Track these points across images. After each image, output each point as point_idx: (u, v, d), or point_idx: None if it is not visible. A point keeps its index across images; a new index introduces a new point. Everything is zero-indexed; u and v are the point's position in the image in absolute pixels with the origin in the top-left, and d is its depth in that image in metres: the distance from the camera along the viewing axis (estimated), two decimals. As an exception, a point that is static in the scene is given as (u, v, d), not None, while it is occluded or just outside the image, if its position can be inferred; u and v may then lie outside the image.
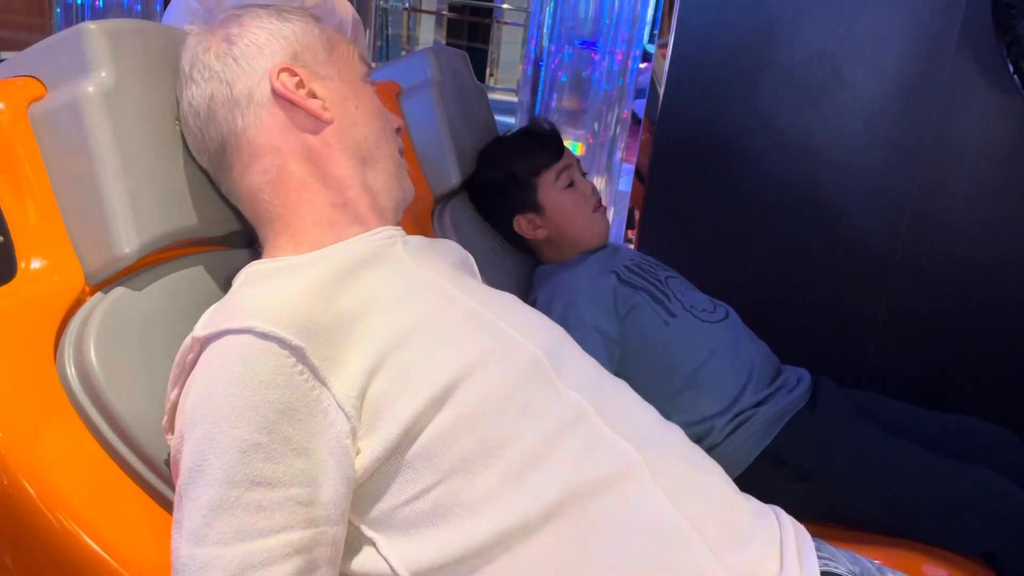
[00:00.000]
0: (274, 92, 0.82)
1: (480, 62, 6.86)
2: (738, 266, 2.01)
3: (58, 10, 3.70)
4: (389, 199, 0.89)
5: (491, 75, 6.81)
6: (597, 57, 3.10)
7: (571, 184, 1.44)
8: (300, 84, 0.83)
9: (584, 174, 1.48)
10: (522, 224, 1.45)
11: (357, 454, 0.70)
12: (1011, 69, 1.52)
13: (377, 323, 0.74)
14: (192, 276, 0.86)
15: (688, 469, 0.80)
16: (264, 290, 0.73)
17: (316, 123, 0.83)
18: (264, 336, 0.66)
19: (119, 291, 0.79)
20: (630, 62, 3.03)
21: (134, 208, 0.78)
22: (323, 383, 0.68)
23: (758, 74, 1.92)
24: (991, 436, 1.30)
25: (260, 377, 0.65)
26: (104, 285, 0.80)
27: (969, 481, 1.16)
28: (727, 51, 1.94)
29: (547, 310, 1.31)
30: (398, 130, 0.93)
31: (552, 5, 3.10)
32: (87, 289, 0.79)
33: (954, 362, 1.84)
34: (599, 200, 1.46)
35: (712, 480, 0.82)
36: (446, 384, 0.71)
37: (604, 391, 0.83)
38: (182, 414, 0.68)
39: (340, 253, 0.81)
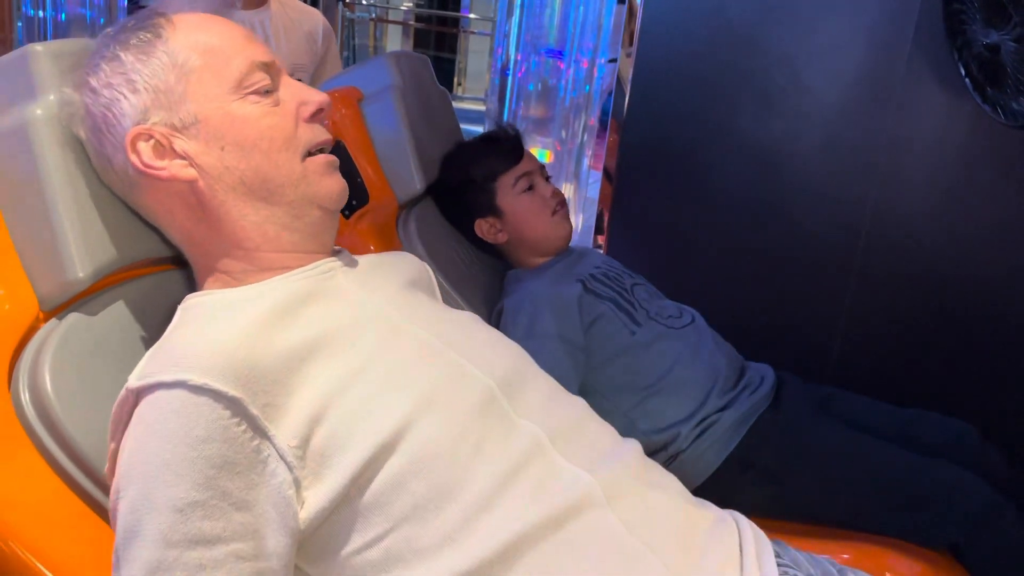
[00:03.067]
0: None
1: (448, 72, 6.88)
2: (703, 269, 2.03)
3: (19, 24, 3.65)
4: (307, 228, 0.81)
5: (459, 84, 6.83)
6: (563, 65, 3.13)
7: (530, 188, 1.45)
8: (158, 145, 0.77)
9: (548, 178, 1.49)
10: (483, 228, 1.46)
11: (302, 505, 0.67)
12: (962, 72, 1.55)
13: (320, 366, 0.71)
14: (147, 298, 0.84)
15: (645, 489, 0.80)
16: (199, 333, 0.70)
17: (185, 184, 0.78)
18: (198, 389, 0.64)
19: (73, 317, 0.78)
20: (595, 70, 3.06)
21: (86, 232, 0.77)
22: (263, 433, 0.66)
23: (719, 80, 1.95)
24: (951, 430, 1.32)
25: (195, 432, 0.63)
26: (58, 311, 0.78)
27: (932, 475, 1.17)
28: (689, 58, 1.97)
29: (513, 320, 1.32)
30: (317, 114, 0.82)
31: (518, 15, 3.13)
32: (41, 315, 0.78)
33: (917, 360, 1.86)
34: (560, 202, 1.47)
35: (669, 497, 0.82)
36: (395, 429, 0.69)
37: (560, 414, 0.82)
38: (118, 470, 0.66)
39: (275, 290, 0.77)
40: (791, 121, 1.90)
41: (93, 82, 0.78)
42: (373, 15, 6.67)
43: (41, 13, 3.72)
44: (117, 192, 0.81)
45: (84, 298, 0.80)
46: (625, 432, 1.30)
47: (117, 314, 0.81)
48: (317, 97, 0.82)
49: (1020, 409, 1.71)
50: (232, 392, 0.64)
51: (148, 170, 0.76)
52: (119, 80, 0.77)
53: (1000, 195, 1.74)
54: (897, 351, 1.88)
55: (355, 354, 0.73)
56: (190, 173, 0.77)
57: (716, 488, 1.27)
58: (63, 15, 3.72)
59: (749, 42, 1.90)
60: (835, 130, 1.88)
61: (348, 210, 1.34)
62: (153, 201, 0.80)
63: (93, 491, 0.74)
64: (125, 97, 0.77)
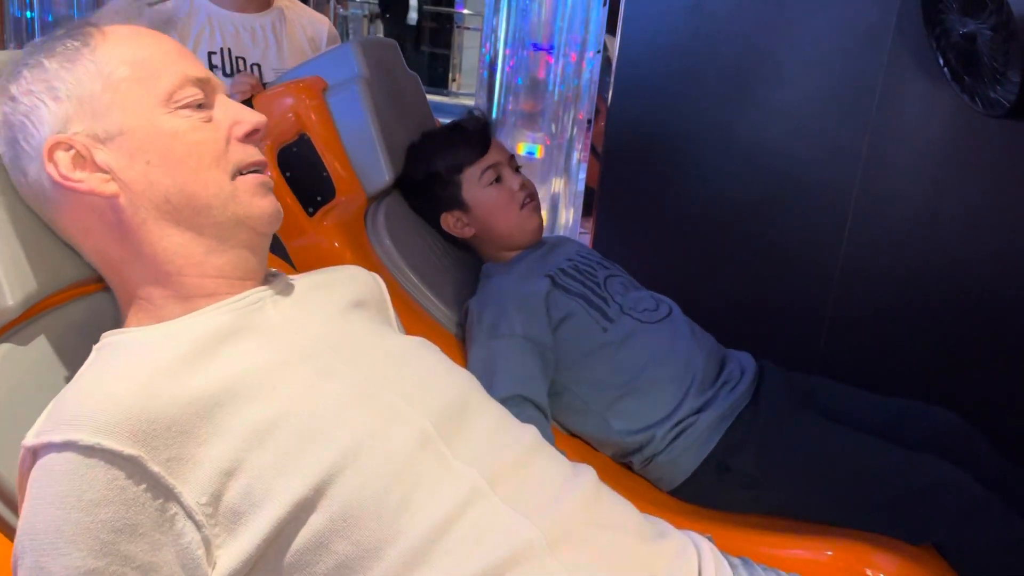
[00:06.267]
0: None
1: (443, 68, 6.88)
2: (687, 261, 2.02)
3: (11, 26, 3.65)
4: (234, 252, 0.77)
5: (453, 80, 6.82)
6: (552, 60, 3.11)
7: (498, 180, 1.41)
8: (79, 156, 0.72)
9: (517, 169, 1.45)
10: (449, 222, 1.43)
11: (213, 566, 0.63)
12: (941, 62, 1.54)
13: (234, 415, 0.66)
14: (83, 322, 0.81)
15: (594, 531, 0.76)
16: (95, 385, 0.65)
17: (104, 199, 0.73)
18: (89, 451, 0.59)
19: (4, 348, 0.74)
20: (584, 64, 3.04)
21: (13, 257, 0.74)
22: (168, 491, 0.62)
23: (702, 73, 1.95)
24: (938, 420, 1.30)
25: (88, 496, 0.59)
26: None
27: (916, 471, 1.16)
28: (671, 51, 1.97)
29: (478, 319, 1.29)
30: (251, 135, 0.78)
31: (505, 9, 3.10)
32: None
33: (904, 348, 1.85)
34: (530, 194, 1.43)
35: (620, 538, 0.78)
36: (315, 484, 0.65)
37: (504, 452, 0.77)
38: (17, 536, 0.62)
39: (192, 328, 0.72)
40: (774, 111, 1.90)
41: (13, 89, 0.74)
42: (366, 12, 6.67)
43: (28, 14, 3.72)
44: (32, 208, 0.77)
45: (16, 326, 0.76)
46: (600, 432, 1.29)
47: (52, 342, 0.78)
48: (253, 117, 0.78)
49: (1008, 397, 1.71)
50: (128, 451, 0.60)
51: (65, 182, 0.72)
52: (40, 87, 0.73)
53: (982, 183, 1.74)
54: (884, 340, 1.88)
55: (275, 401, 0.68)
56: (111, 188, 0.73)
57: (694, 490, 1.25)
58: (50, 16, 3.71)
59: (731, 33, 1.90)
60: (818, 120, 1.86)
61: (313, 206, 1.32)
62: (68, 218, 0.76)
63: None
64: (45, 104, 0.73)
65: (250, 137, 0.78)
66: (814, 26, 1.82)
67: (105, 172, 0.73)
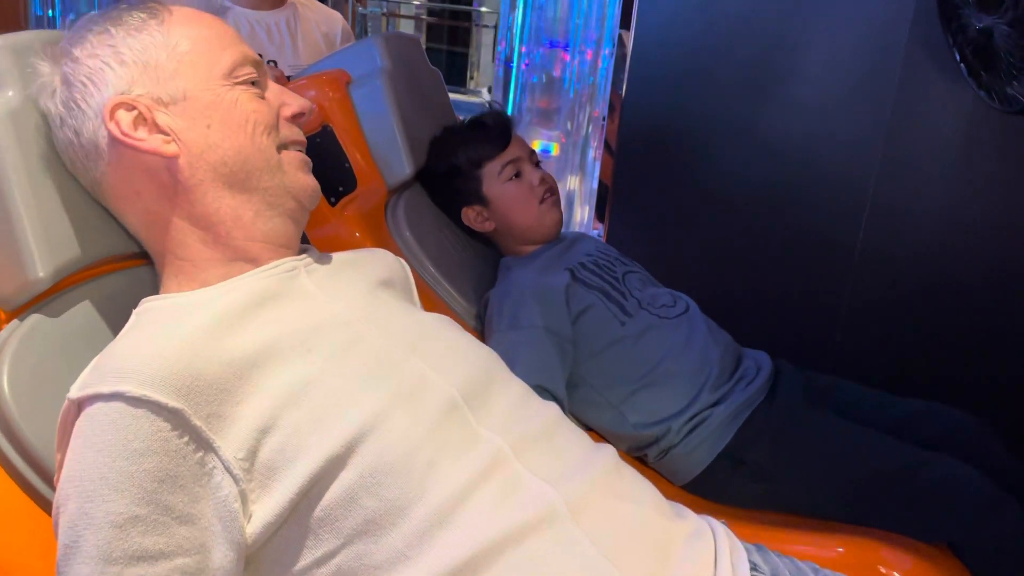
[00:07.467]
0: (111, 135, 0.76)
1: (460, 65, 6.89)
2: (702, 257, 2.02)
3: (33, 24, 3.67)
4: (280, 218, 0.81)
5: (471, 78, 6.83)
6: (568, 57, 3.11)
7: (517, 175, 1.42)
8: (140, 117, 0.76)
9: (537, 164, 1.47)
10: (470, 216, 1.45)
11: (249, 519, 0.66)
12: (957, 58, 1.53)
13: (270, 375, 0.69)
14: (113, 297, 0.83)
15: (615, 502, 0.77)
16: (142, 342, 0.68)
17: (162, 159, 0.76)
18: (136, 401, 0.63)
19: (35, 318, 0.77)
20: (600, 61, 3.04)
21: (47, 230, 0.76)
22: (208, 444, 0.65)
23: (716, 69, 1.95)
24: (953, 421, 1.30)
25: (134, 445, 0.62)
26: (20, 311, 0.78)
27: (930, 469, 1.15)
28: (686, 47, 1.97)
29: (498, 310, 1.30)
30: (297, 116, 0.84)
31: (521, 7, 3.11)
32: (3, 316, 0.77)
33: (919, 348, 1.85)
34: (549, 189, 1.44)
35: (641, 509, 0.79)
36: (346, 442, 0.67)
37: (528, 422, 0.80)
38: (59, 484, 0.65)
39: (231, 292, 0.75)
40: (789, 108, 1.90)
41: (77, 52, 0.77)
42: (384, 10, 6.69)
43: (51, 13, 3.75)
44: (78, 171, 0.80)
45: (47, 298, 0.79)
46: (615, 425, 1.30)
47: (81, 314, 0.80)
48: (299, 101, 0.84)
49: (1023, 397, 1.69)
50: (173, 403, 0.63)
51: (126, 139, 0.75)
52: (107, 52, 0.77)
53: (1000, 180, 1.73)
54: (900, 339, 1.88)
55: (310, 363, 0.71)
56: (172, 148, 0.76)
57: (708, 483, 1.26)
58: (72, 15, 3.74)
59: (746, 30, 1.91)
60: (834, 116, 1.87)
61: (335, 196, 1.34)
62: (120, 178, 0.78)
63: (50, 496, 0.72)
64: (111, 67, 0.76)
65: (295, 119, 0.84)
66: (829, 21, 1.82)
67: (166, 134, 0.76)
